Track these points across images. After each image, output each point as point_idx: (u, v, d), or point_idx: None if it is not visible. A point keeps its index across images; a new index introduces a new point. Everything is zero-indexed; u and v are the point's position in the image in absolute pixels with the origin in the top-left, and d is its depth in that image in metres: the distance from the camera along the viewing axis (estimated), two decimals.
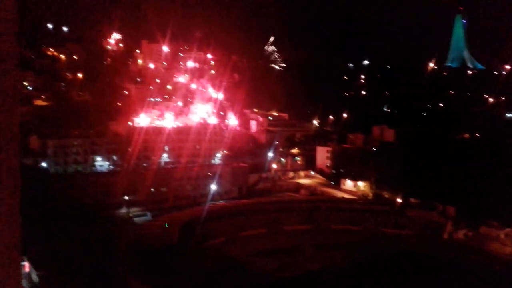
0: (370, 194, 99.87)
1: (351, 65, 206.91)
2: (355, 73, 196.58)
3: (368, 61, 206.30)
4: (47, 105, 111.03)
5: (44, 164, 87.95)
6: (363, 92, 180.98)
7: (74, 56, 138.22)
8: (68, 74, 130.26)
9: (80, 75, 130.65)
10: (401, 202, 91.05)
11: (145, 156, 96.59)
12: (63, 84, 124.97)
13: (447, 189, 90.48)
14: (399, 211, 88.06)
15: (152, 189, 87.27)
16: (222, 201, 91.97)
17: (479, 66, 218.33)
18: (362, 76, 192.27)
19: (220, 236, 74.32)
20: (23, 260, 38.86)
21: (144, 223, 75.68)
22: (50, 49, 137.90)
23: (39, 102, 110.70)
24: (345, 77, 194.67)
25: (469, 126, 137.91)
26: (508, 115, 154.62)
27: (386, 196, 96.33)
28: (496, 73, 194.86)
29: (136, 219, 77.72)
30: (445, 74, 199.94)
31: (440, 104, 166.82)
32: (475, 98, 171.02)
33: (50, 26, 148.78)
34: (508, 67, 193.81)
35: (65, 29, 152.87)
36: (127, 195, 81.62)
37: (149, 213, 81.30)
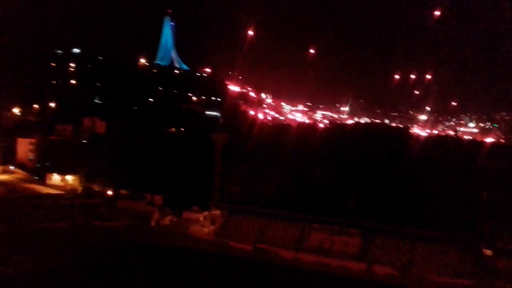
0: (80, 188, 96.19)
1: (59, 51, 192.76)
2: (64, 60, 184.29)
3: (79, 49, 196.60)
4: None
5: None
6: (73, 82, 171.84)
7: None
8: None
9: None
10: (112, 194, 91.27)
11: None
12: None
13: (155, 180, 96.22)
14: (110, 204, 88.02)
15: None
16: None
17: (185, 67, 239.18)
18: (72, 65, 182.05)
19: None
20: None
21: None
22: None
23: None
24: (52, 63, 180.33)
25: (175, 122, 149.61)
26: (207, 112, 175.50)
27: (97, 189, 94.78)
28: (199, 74, 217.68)
29: None
30: (155, 71, 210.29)
31: (150, 99, 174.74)
32: (181, 96, 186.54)
33: None
34: (208, 70, 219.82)
35: None
36: None
37: None
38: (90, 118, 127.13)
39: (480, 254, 70.21)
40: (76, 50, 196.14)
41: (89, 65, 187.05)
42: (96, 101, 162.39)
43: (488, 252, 70.20)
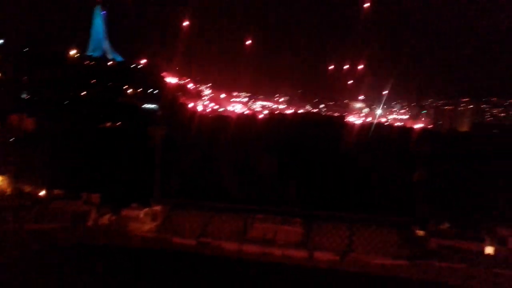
0: (9, 190, 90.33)
1: None
2: None
3: (2, 39, 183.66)
4: None
5: None
6: None
7: None
8: None
9: None
10: (45, 195, 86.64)
11: None
12: None
13: (91, 178, 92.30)
14: (43, 205, 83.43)
15: None
16: None
17: (118, 58, 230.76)
18: None
19: None
20: None
21: None
22: None
23: None
24: None
25: (111, 115, 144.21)
26: (144, 105, 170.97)
27: (28, 190, 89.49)
28: (134, 66, 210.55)
29: None
30: (87, 63, 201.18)
31: (83, 93, 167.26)
32: (115, 88, 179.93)
33: None
34: (144, 61, 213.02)
35: None
36: None
37: None
38: (17, 114, 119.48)
39: (414, 235, 74.06)
40: None
41: (13, 58, 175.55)
42: (23, 96, 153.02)
43: (421, 233, 74.18)
